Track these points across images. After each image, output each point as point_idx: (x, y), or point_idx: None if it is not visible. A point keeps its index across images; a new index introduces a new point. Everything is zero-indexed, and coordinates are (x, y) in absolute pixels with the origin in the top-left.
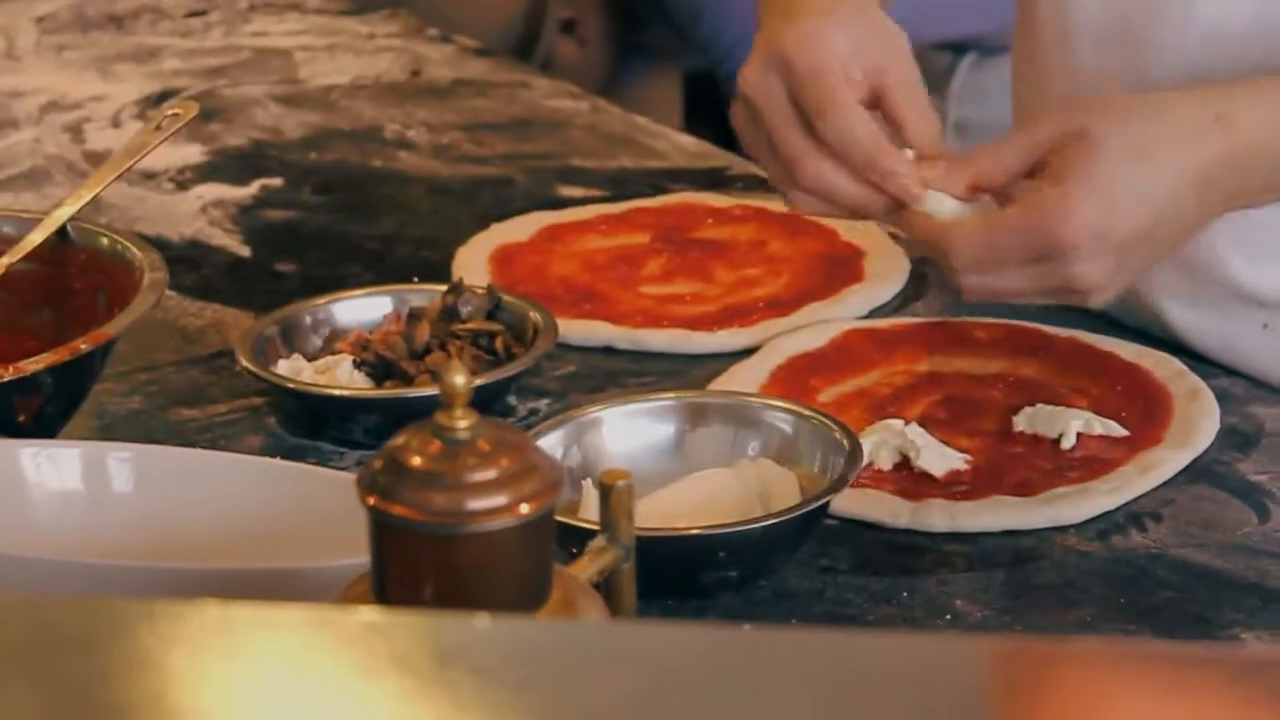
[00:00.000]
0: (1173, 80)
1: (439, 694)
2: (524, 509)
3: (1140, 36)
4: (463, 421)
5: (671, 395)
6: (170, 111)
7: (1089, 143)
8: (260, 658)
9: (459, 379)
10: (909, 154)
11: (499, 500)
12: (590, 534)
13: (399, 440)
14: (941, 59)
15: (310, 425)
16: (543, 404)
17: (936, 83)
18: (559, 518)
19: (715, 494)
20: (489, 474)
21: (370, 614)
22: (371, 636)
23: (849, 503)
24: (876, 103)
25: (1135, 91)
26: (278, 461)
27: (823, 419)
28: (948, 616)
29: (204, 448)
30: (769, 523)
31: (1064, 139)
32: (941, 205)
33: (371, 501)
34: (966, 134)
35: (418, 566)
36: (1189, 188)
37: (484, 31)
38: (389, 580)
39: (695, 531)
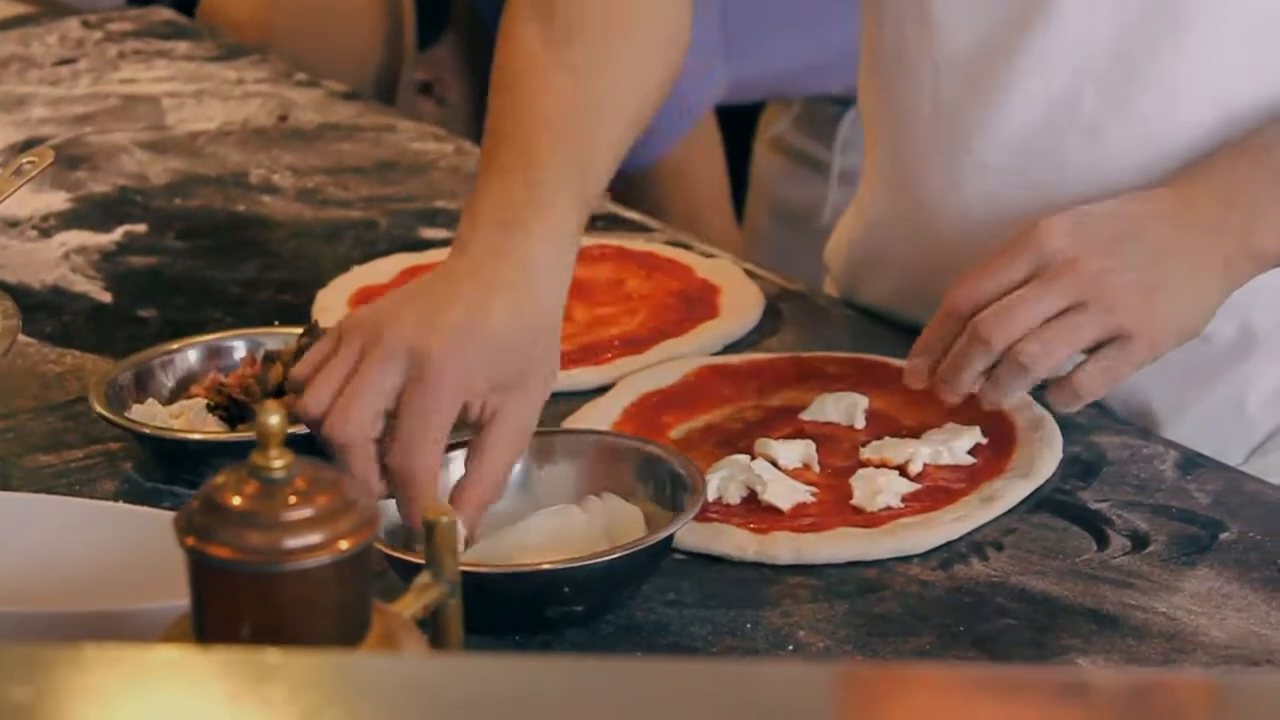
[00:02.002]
0: (1036, 110)
1: None
2: (342, 545)
3: (1004, 63)
4: (278, 461)
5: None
6: (26, 160)
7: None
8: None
9: (273, 419)
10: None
11: (316, 538)
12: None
13: (217, 481)
14: (829, 110)
15: (165, 470)
16: None
17: (824, 131)
18: (393, 552)
19: (562, 530)
20: (305, 512)
21: (177, 652)
22: (174, 673)
23: (696, 537)
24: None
25: (997, 121)
26: (122, 505)
27: (667, 454)
28: (790, 647)
29: (60, 494)
30: (613, 557)
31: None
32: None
33: (190, 542)
34: (850, 181)
35: (237, 605)
36: (1174, 226)
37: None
38: (209, 619)
39: (543, 567)
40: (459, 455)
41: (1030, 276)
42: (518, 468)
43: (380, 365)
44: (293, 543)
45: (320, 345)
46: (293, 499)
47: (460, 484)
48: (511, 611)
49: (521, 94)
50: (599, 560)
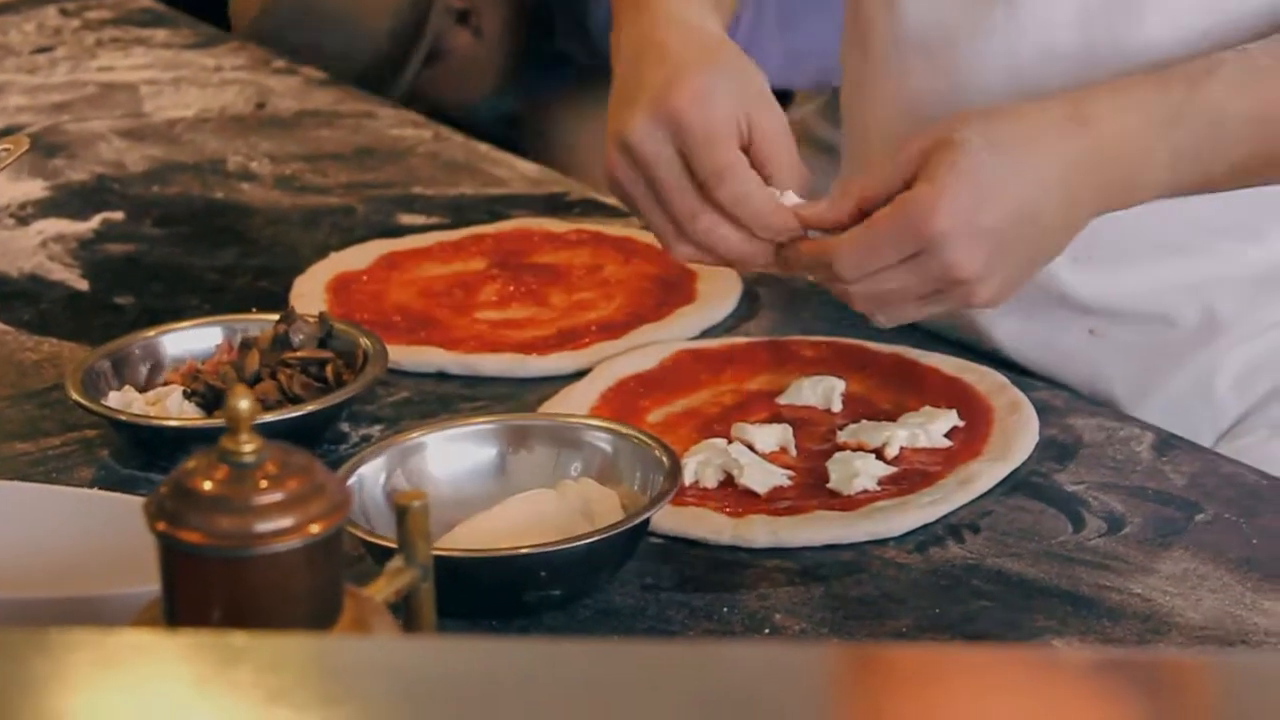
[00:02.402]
0: (1002, 92)
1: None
2: (312, 529)
3: (966, 49)
4: (248, 445)
5: (493, 419)
6: (2, 147)
7: (954, 143)
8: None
9: (243, 403)
10: (792, 197)
11: (286, 522)
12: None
13: (187, 466)
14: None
15: (141, 457)
16: (375, 430)
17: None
18: (368, 537)
19: (538, 514)
20: (276, 496)
21: (143, 635)
22: (140, 657)
23: (673, 520)
24: (747, 146)
25: (962, 106)
26: (98, 492)
27: (642, 438)
28: (767, 630)
29: (37, 481)
30: (590, 541)
31: (933, 146)
32: None
33: (160, 527)
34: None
35: (207, 590)
36: (1054, 180)
37: (370, 20)
38: (179, 604)
39: (520, 551)
40: (440, 437)
41: (907, 250)
42: (493, 453)
43: (652, 152)
44: (263, 527)
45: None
46: (263, 483)
47: (769, 181)
48: (488, 596)
49: None
50: (576, 544)
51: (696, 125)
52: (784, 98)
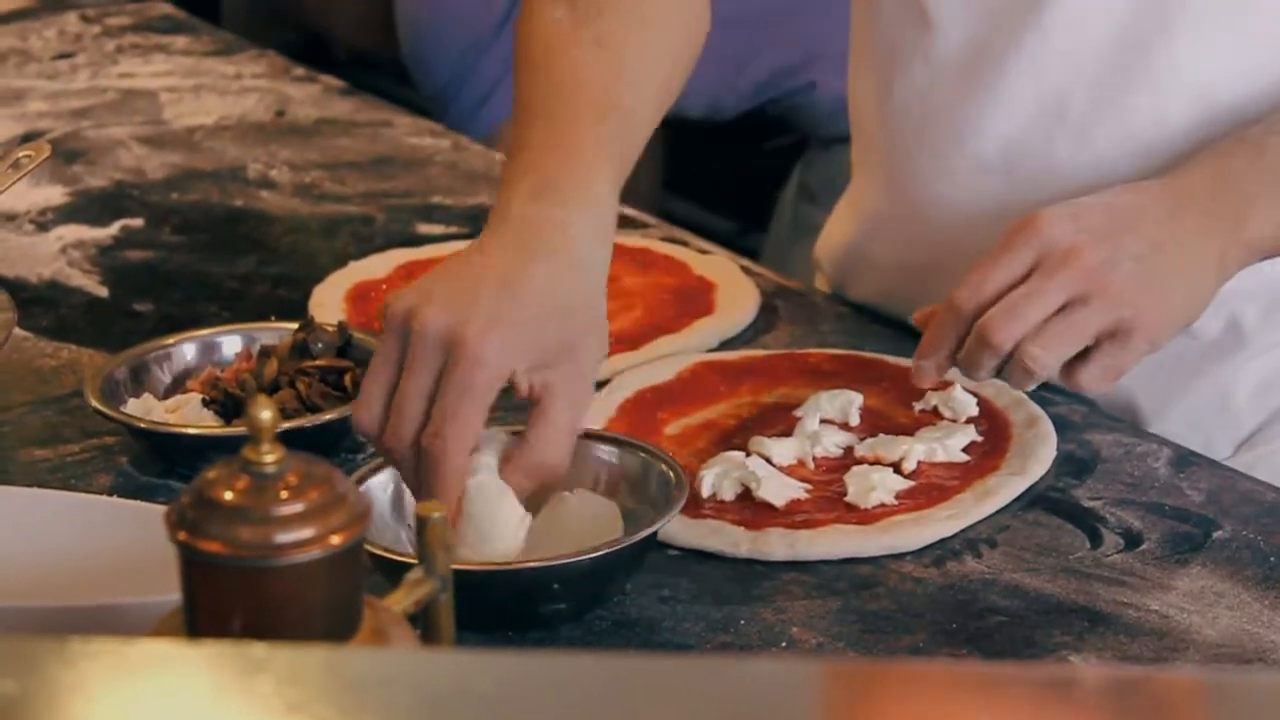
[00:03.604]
0: (1027, 106)
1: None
2: (333, 540)
3: (998, 61)
4: (270, 456)
5: (500, 430)
6: (23, 153)
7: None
8: (46, 689)
9: (265, 414)
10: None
11: (307, 533)
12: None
13: (208, 475)
14: None
15: (160, 464)
16: None
17: None
18: (381, 551)
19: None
20: (297, 507)
21: (162, 646)
22: (160, 667)
23: (690, 533)
24: (532, 400)
25: (989, 117)
26: (116, 500)
27: (649, 451)
28: (783, 644)
29: (55, 488)
30: (597, 555)
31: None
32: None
33: (181, 537)
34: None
35: (228, 600)
36: (1157, 201)
37: None
38: (200, 614)
39: (529, 564)
40: None
41: (1031, 269)
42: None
43: (419, 365)
44: (284, 538)
45: (379, 346)
46: (284, 494)
47: (515, 453)
48: (502, 608)
49: (551, 70)
50: (582, 558)
51: (470, 364)
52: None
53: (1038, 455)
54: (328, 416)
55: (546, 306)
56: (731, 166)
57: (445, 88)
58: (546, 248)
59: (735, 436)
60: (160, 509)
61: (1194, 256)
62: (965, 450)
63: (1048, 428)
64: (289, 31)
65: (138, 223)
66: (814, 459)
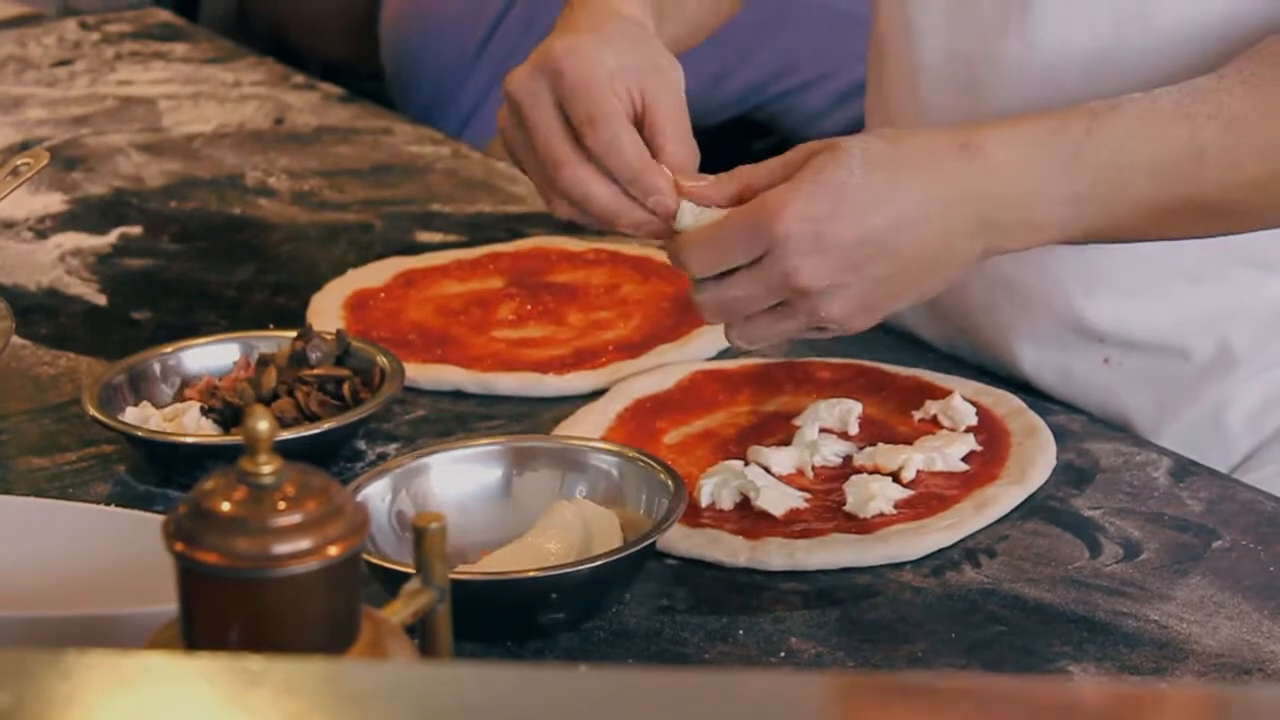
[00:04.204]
0: (1017, 112)
1: None
2: (331, 551)
3: (981, 71)
4: (267, 466)
5: (498, 440)
6: (22, 161)
7: (833, 152)
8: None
9: (262, 424)
10: (667, 173)
11: (305, 544)
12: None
13: (205, 486)
14: None
15: (158, 473)
16: (391, 448)
17: None
18: (378, 561)
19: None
20: (294, 518)
21: (159, 658)
22: (156, 679)
23: (689, 542)
24: (639, 122)
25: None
26: (114, 509)
27: (647, 461)
28: (782, 654)
29: (53, 496)
30: (595, 565)
31: (819, 148)
32: (697, 222)
33: (178, 547)
34: None
35: (225, 611)
36: (931, 207)
37: None
38: (196, 625)
39: (528, 574)
40: (446, 458)
41: (752, 251)
42: (498, 474)
43: (529, 97)
44: (281, 548)
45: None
46: (281, 504)
47: (657, 155)
48: (500, 618)
49: None
50: (580, 568)
51: (571, 72)
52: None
53: (1037, 464)
54: (326, 426)
55: (610, 31)
56: (725, 169)
57: (429, 109)
58: (585, 9)
59: (734, 445)
60: (158, 518)
61: (953, 266)
62: (964, 459)
63: (1047, 437)
64: (261, 42)
65: (136, 231)
66: (813, 468)
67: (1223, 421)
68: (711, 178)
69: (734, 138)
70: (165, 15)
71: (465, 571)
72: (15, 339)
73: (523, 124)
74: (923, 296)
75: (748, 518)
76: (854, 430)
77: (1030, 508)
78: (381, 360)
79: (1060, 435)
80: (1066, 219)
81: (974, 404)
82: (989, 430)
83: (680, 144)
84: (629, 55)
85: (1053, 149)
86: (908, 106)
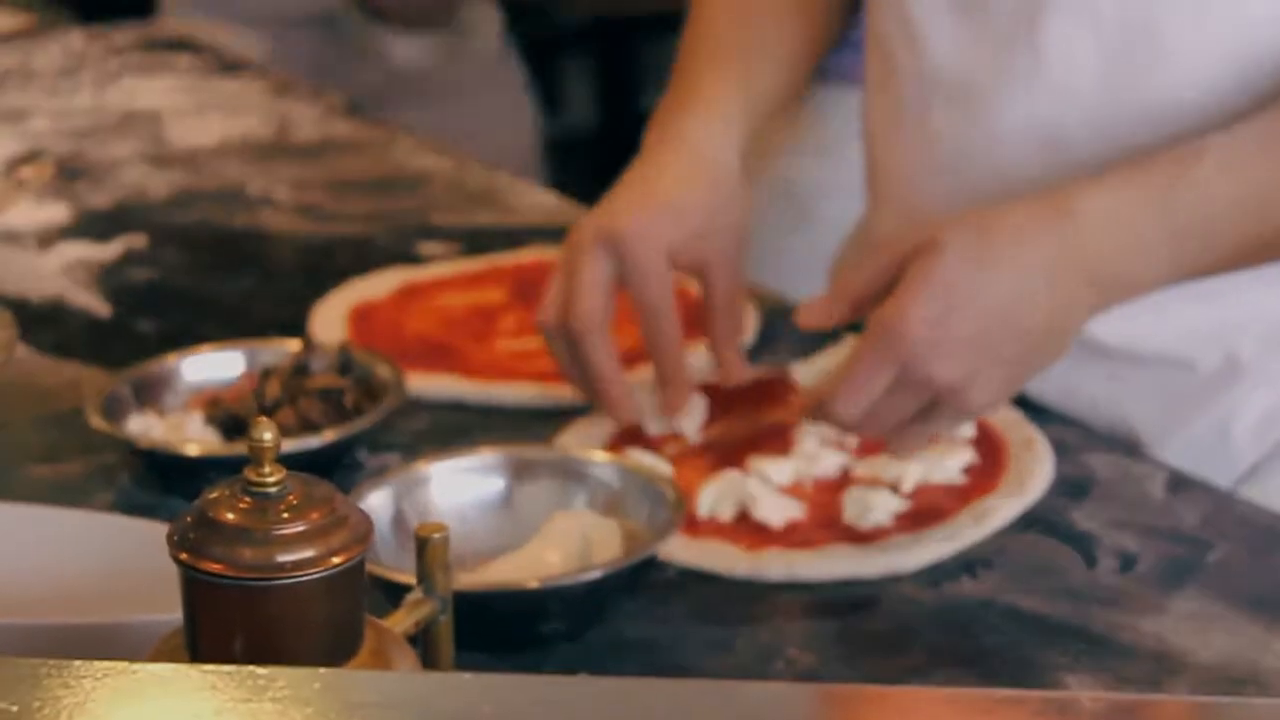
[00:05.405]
0: (1023, 136)
1: None
2: (334, 561)
3: (989, 93)
4: (271, 476)
5: (499, 450)
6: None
7: (931, 252)
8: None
9: (266, 435)
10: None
11: (308, 553)
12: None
13: (210, 496)
14: None
15: (161, 482)
16: (393, 459)
17: None
18: (381, 571)
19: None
20: (298, 527)
21: (164, 667)
22: (161, 689)
23: (688, 553)
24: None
25: (982, 149)
26: (117, 517)
27: (647, 473)
28: (780, 664)
29: (56, 505)
30: (595, 577)
31: (913, 252)
32: (818, 375)
33: (182, 557)
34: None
35: (229, 620)
36: (1037, 279)
37: None
38: (201, 634)
39: (529, 586)
40: (446, 468)
41: (888, 369)
42: (499, 485)
43: (588, 260)
44: (285, 558)
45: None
46: (285, 514)
47: (707, 325)
48: (500, 629)
49: (693, 35)
50: (579, 579)
51: (630, 257)
52: None
53: (1034, 477)
54: (328, 436)
55: (683, 194)
56: None
57: None
58: (672, 151)
59: (733, 457)
60: (162, 527)
61: (1069, 331)
62: (962, 471)
63: (1045, 449)
64: None
65: (140, 241)
66: (812, 479)
67: (1228, 433)
68: (819, 303)
69: None
70: (170, 27)
71: (465, 582)
72: (19, 349)
73: (570, 342)
74: (1054, 360)
75: (747, 529)
76: (852, 442)
77: (1028, 520)
78: (383, 371)
79: (1058, 448)
80: (1168, 270)
81: None
82: (987, 442)
83: (726, 317)
84: (695, 220)
85: (1146, 200)
86: (914, 125)
